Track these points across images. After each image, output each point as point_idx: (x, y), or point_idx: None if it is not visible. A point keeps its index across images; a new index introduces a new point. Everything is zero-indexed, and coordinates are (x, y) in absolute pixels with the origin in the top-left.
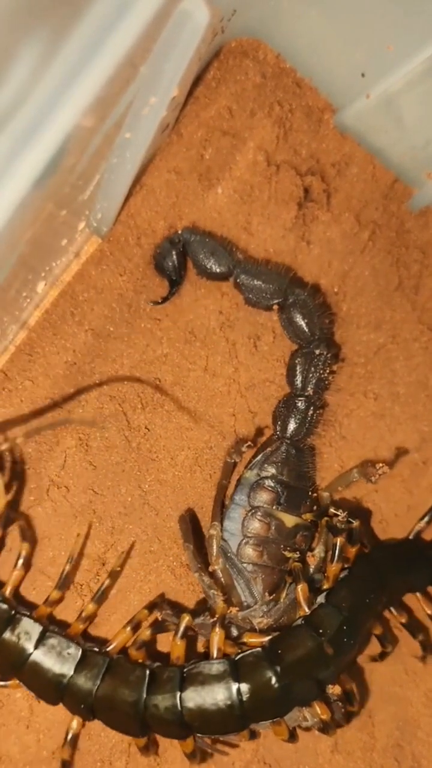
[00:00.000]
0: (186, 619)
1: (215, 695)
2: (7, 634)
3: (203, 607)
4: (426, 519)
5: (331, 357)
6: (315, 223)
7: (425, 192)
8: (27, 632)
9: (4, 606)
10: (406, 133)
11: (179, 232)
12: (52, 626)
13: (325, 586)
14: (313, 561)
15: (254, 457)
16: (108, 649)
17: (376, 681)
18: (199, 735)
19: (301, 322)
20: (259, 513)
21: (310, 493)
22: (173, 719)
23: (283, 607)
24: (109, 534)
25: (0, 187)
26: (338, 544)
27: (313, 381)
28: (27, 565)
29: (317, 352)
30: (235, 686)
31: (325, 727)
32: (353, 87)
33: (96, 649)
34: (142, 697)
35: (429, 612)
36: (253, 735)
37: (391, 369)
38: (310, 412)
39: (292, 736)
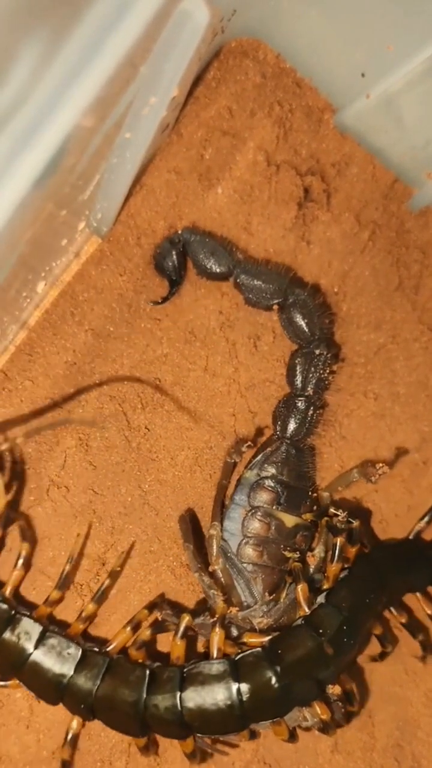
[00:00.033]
0: (186, 619)
1: (215, 695)
2: (7, 634)
3: (203, 607)
4: (426, 519)
5: (331, 357)
6: (315, 223)
7: (425, 192)
8: (27, 632)
9: (4, 606)
10: (406, 133)
11: (179, 232)
12: (52, 626)
13: (325, 586)
14: (313, 561)
15: (254, 457)
16: (108, 649)
17: (376, 681)
18: (199, 735)
19: (301, 322)
20: (259, 513)
21: (310, 493)
22: (173, 719)
23: (283, 607)
24: (109, 534)
25: (0, 187)
26: (338, 544)
27: (313, 381)
28: (27, 565)
29: (317, 352)
30: (235, 686)
31: (325, 727)
32: (353, 87)
33: (96, 649)
34: (142, 697)
35: (429, 612)
36: (253, 735)
37: (392, 369)
38: (310, 412)
39: (292, 736)
